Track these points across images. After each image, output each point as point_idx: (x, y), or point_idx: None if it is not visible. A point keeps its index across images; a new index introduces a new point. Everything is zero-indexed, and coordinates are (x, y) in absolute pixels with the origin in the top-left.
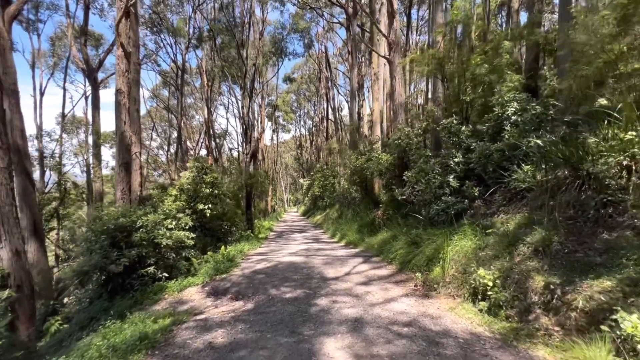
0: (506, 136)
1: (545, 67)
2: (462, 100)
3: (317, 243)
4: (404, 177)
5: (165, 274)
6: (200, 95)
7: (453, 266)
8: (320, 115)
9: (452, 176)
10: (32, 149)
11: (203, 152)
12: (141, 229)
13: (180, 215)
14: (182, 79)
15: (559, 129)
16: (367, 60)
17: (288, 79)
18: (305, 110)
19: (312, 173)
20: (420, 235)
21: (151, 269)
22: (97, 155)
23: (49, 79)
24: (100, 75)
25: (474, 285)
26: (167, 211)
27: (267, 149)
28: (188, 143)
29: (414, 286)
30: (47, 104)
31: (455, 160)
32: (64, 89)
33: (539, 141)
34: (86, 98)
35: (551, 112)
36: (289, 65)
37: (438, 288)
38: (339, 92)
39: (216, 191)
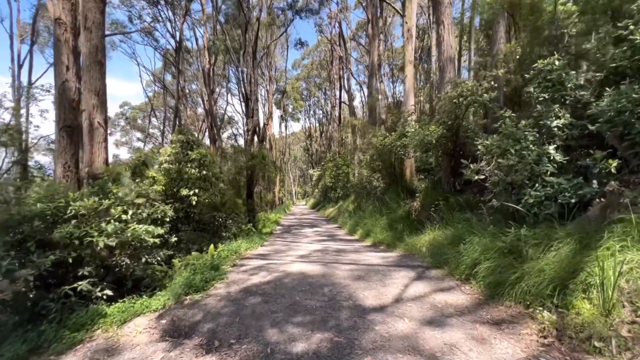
0: None
1: None
2: (558, 33)
3: (334, 241)
4: (479, 148)
5: (108, 292)
6: (202, 75)
7: (627, 301)
8: (331, 103)
9: (552, 146)
10: None
11: (207, 142)
12: (72, 221)
13: (156, 204)
14: (180, 51)
15: None
16: (382, 41)
17: (299, 43)
18: (316, 99)
19: (322, 163)
20: (522, 237)
21: (84, 283)
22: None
23: (29, 49)
24: None
25: None
26: (121, 194)
27: (274, 138)
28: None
29: (540, 335)
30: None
31: (559, 121)
32: (30, 53)
33: None
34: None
35: None
36: (298, 51)
37: (600, 346)
38: (352, 75)
39: (205, 172)
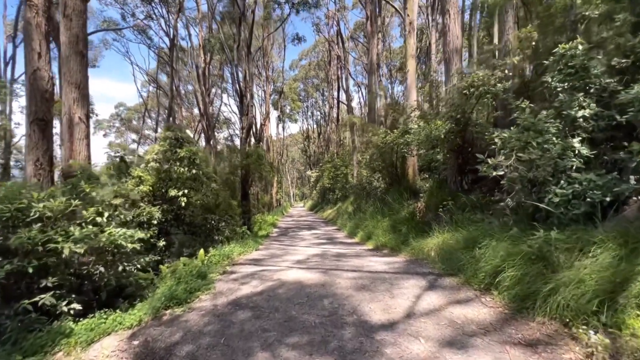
0: None
1: None
2: (578, 17)
3: (334, 245)
4: (496, 140)
5: (75, 306)
6: (196, 75)
7: None
8: (329, 104)
9: (577, 139)
10: None
11: (203, 143)
12: (36, 225)
13: (142, 205)
14: (174, 48)
15: None
16: (381, 40)
17: (297, 39)
18: (314, 100)
19: (320, 164)
20: (552, 241)
21: (47, 296)
22: None
23: (13, 45)
24: None
25: None
26: (95, 195)
27: (272, 139)
28: (188, 132)
29: None
30: None
31: (584, 112)
32: (14, 48)
33: None
34: None
35: None
36: (295, 51)
37: None
38: (350, 76)
39: (195, 171)
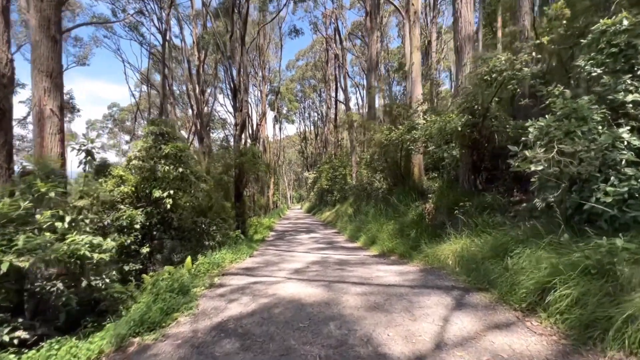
0: None
1: None
2: None
3: (335, 250)
4: (530, 130)
5: (21, 334)
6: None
7: None
8: (326, 104)
9: (625, 128)
10: None
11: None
12: None
13: (122, 207)
14: (165, 42)
15: None
16: (379, 39)
17: (294, 31)
18: (311, 101)
19: (318, 165)
20: (618, 252)
21: None
22: None
23: None
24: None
25: None
26: (53, 195)
27: (268, 140)
28: (183, 132)
29: None
30: None
31: (632, 96)
32: None
33: None
34: None
35: None
36: (292, 52)
37: None
38: (348, 76)
39: (182, 169)
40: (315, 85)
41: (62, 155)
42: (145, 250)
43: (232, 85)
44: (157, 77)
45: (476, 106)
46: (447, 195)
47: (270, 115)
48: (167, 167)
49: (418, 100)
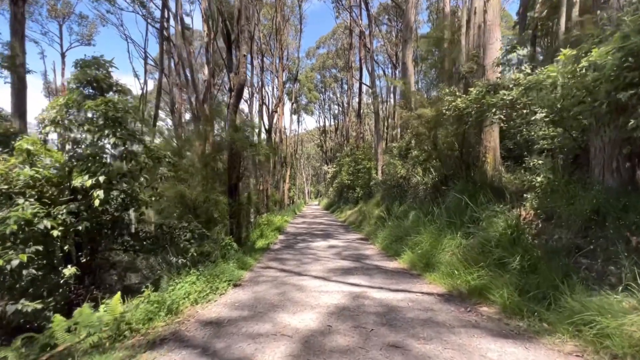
0: None
1: None
2: None
3: (370, 278)
4: None
5: None
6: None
7: None
8: (348, 95)
9: None
10: None
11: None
12: None
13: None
14: (165, 8)
15: None
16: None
17: None
18: (331, 92)
19: (338, 158)
20: None
21: None
22: None
23: None
24: None
25: None
26: None
27: (284, 130)
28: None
29: None
30: None
31: None
32: None
33: None
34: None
35: None
36: (312, 36)
37: None
38: (374, 60)
39: (120, 142)
40: (337, 75)
41: None
42: (68, 272)
43: (224, 34)
44: (171, 64)
45: None
46: (563, 196)
47: (288, 105)
48: (96, 136)
49: (496, 59)
